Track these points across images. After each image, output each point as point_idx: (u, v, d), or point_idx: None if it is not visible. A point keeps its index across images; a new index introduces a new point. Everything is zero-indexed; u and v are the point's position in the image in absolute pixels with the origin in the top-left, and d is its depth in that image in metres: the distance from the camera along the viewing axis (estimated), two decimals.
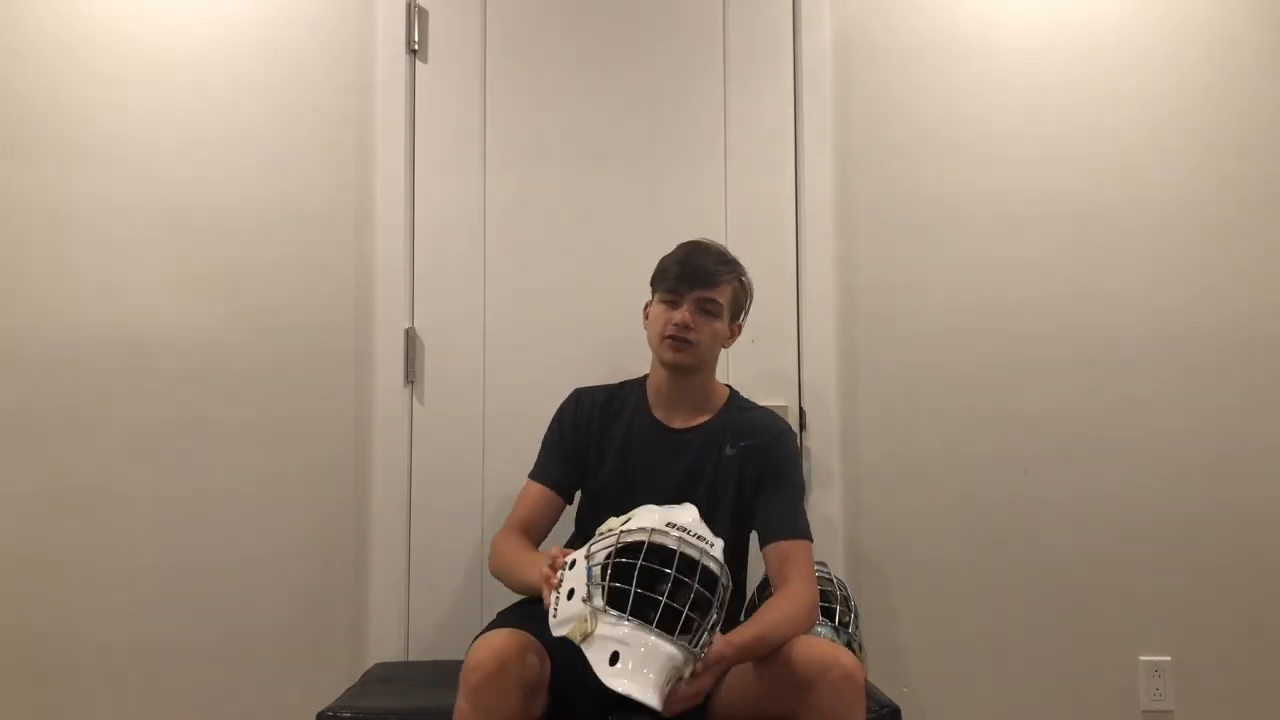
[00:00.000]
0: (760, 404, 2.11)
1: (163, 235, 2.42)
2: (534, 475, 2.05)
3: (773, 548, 1.89)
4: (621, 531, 1.59)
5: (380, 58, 2.47)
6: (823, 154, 2.48)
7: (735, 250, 2.42)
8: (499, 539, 1.99)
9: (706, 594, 1.56)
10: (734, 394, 2.08)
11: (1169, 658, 2.44)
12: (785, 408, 2.44)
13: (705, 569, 1.56)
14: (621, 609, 1.52)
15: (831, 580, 2.11)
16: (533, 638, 1.69)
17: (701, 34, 2.50)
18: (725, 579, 1.59)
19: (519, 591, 1.90)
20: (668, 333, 1.94)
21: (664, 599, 1.52)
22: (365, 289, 2.44)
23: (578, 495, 2.08)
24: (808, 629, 1.78)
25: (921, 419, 2.47)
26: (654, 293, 2.02)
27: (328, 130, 2.46)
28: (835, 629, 2.01)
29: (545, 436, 2.08)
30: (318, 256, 2.44)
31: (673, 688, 1.52)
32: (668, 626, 1.52)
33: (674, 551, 1.55)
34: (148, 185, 2.42)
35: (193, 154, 2.44)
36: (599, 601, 1.53)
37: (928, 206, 2.50)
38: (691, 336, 1.94)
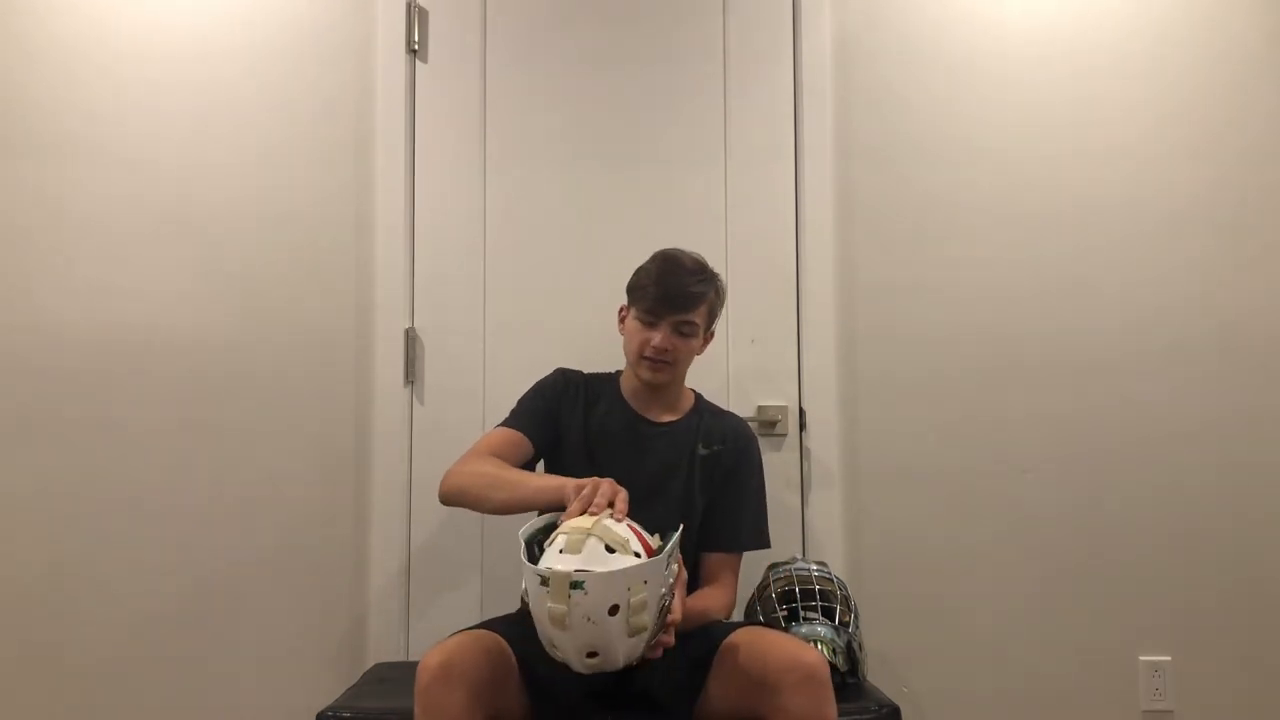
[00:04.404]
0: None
1: (163, 235, 2.42)
2: (507, 424, 2.02)
3: (717, 555, 2.00)
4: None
5: (380, 58, 2.47)
6: (823, 154, 2.48)
7: (735, 251, 2.45)
8: (472, 461, 1.92)
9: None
10: (699, 396, 2.13)
11: (1169, 658, 2.44)
12: (785, 407, 2.44)
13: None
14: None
15: (831, 580, 2.11)
16: (494, 636, 1.72)
17: (701, 34, 2.50)
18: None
19: (503, 507, 1.85)
20: (646, 354, 1.98)
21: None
22: (365, 289, 2.44)
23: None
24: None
25: (921, 419, 2.47)
26: (630, 304, 2.04)
27: (328, 130, 2.46)
28: (835, 629, 2.01)
29: (523, 398, 2.07)
30: (318, 256, 2.44)
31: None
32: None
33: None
34: (148, 185, 2.42)
35: (193, 154, 2.44)
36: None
37: (928, 206, 2.50)
38: (669, 358, 1.98)
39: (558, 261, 2.46)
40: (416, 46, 2.47)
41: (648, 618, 1.58)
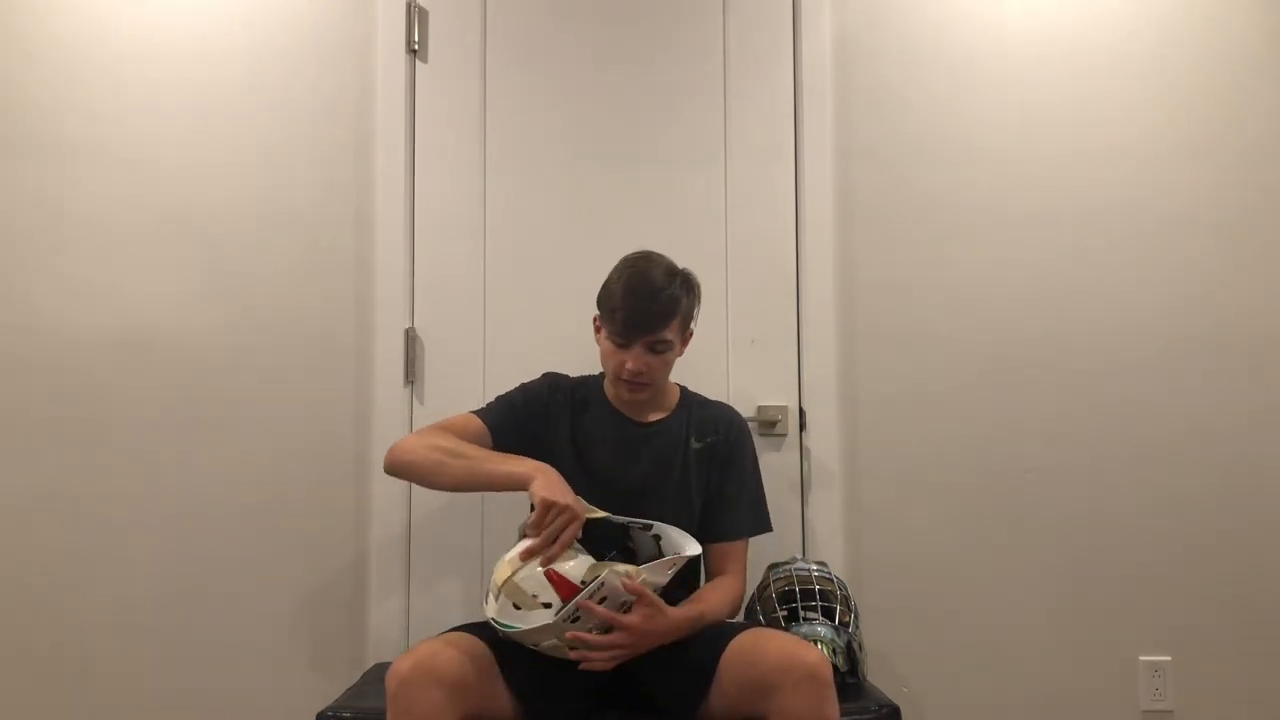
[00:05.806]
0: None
1: (163, 235, 2.42)
2: (477, 412, 1.99)
3: (721, 546, 2.00)
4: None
5: (380, 58, 2.47)
6: (823, 153, 2.48)
7: (735, 251, 2.46)
8: (428, 434, 1.91)
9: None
10: (685, 389, 2.12)
11: (1169, 658, 2.44)
12: (785, 407, 2.44)
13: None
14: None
15: (831, 580, 2.11)
16: (470, 637, 1.73)
17: (701, 34, 2.50)
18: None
19: (457, 483, 1.87)
20: (623, 376, 1.94)
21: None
22: (365, 289, 2.44)
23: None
24: (732, 617, 1.96)
25: (922, 419, 2.47)
26: (600, 319, 1.98)
27: (328, 130, 2.46)
28: (835, 629, 2.01)
29: (504, 395, 2.05)
30: (318, 256, 2.44)
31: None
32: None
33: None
34: (148, 185, 2.42)
35: (193, 154, 2.44)
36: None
37: (928, 206, 2.50)
38: (645, 379, 1.94)
39: (558, 261, 2.46)
40: (416, 46, 2.47)
41: (563, 650, 1.70)
